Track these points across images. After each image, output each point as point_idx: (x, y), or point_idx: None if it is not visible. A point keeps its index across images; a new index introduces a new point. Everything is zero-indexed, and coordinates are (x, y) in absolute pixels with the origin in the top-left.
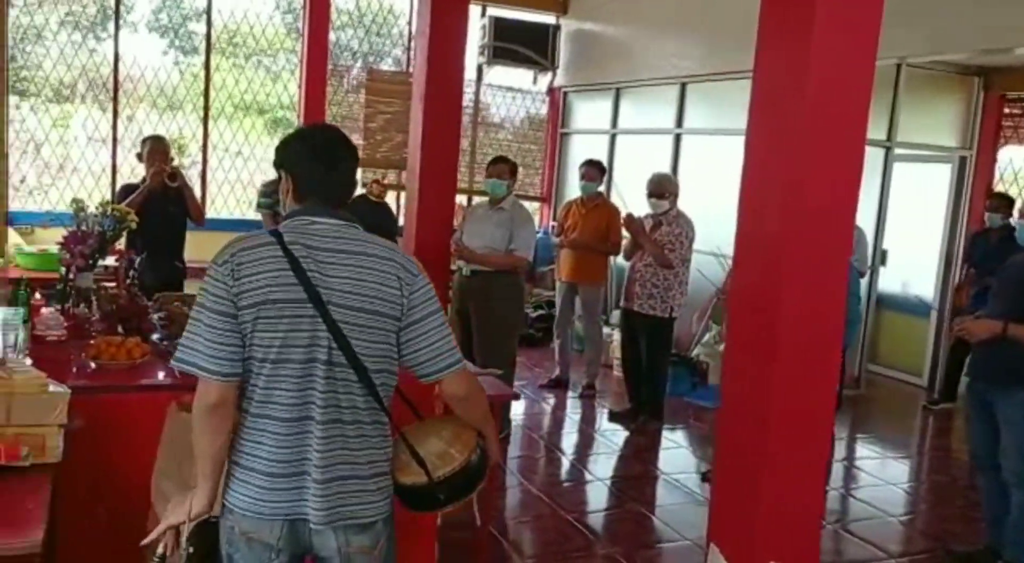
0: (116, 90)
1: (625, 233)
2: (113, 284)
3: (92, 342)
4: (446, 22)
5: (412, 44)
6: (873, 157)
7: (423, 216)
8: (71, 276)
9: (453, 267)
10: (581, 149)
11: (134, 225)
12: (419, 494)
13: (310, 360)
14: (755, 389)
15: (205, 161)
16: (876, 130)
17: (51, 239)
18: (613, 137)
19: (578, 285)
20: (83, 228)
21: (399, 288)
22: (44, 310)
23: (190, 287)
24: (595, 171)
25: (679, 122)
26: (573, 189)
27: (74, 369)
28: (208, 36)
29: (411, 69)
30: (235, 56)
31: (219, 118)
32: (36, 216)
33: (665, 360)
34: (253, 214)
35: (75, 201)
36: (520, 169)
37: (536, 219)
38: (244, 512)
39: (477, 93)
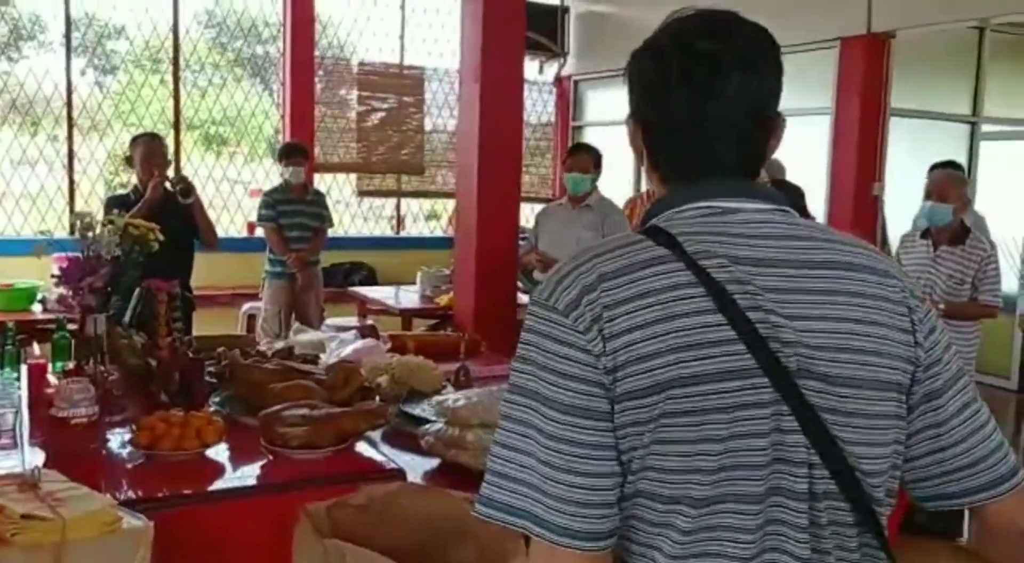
0: (70, 110)
1: None
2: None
3: (140, 422)
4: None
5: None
6: (956, 135)
7: (485, 224)
8: (72, 320)
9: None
10: (596, 144)
11: (157, 245)
12: None
13: (772, 492)
14: None
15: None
16: (958, 104)
17: (4, 271)
18: None
19: None
20: (91, 252)
21: (911, 331)
22: (54, 378)
23: (202, 324)
24: None
25: None
26: None
27: (122, 468)
28: (176, 50)
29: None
30: (158, 72)
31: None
32: None
33: None
34: (235, 231)
35: (78, 215)
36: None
37: None
38: None
39: None
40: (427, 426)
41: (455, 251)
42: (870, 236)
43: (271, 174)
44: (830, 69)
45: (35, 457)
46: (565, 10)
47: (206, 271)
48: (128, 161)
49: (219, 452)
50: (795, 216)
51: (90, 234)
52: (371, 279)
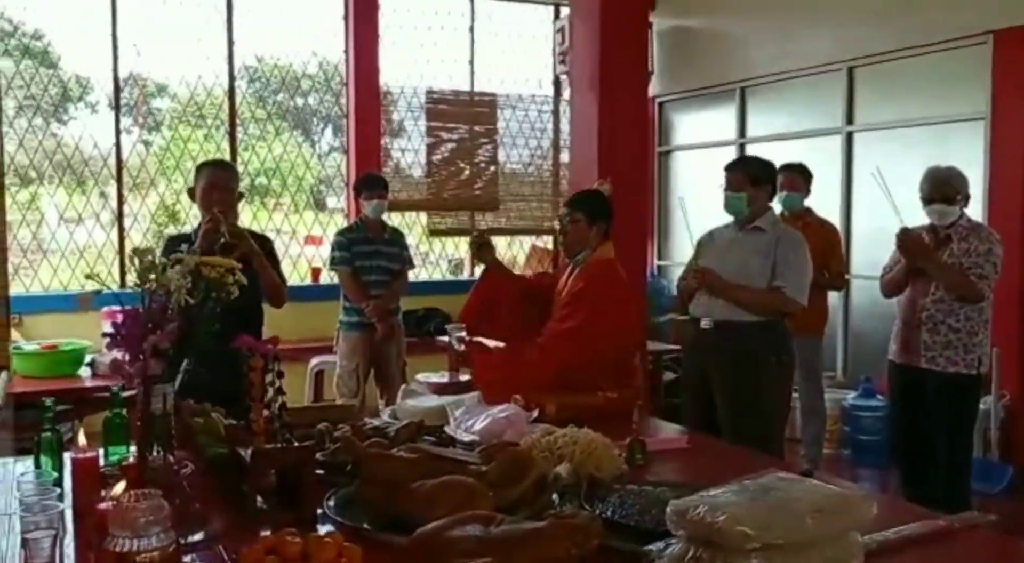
0: (119, 166)
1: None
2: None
3: (240, 557)
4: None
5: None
6: None
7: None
8: (130, 393)
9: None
10: (689, 169)
11: (237, 291)
12: None
13: None
14: None
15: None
16: None
17: (47, 331)
18: (742, 148)
19: None
20: (153, 302)
21: None
22: (114, 487)
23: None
24: (798, 177)
25: (849, 118)
26: (680, 218)
27: None
28: (232, 107)
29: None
30: (202, 127)
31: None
32: (23, 302)
33: (969, 436)
34: (297, 279)
35: (137, 252)
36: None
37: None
38: None
39: (556, 111)
40: (656, 546)
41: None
42: None
43: (318, 224)
44: (982, 68)
45: None
46: (648, 25)
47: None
48: (191, 194)
49: None
50: None
51: (152, 277)
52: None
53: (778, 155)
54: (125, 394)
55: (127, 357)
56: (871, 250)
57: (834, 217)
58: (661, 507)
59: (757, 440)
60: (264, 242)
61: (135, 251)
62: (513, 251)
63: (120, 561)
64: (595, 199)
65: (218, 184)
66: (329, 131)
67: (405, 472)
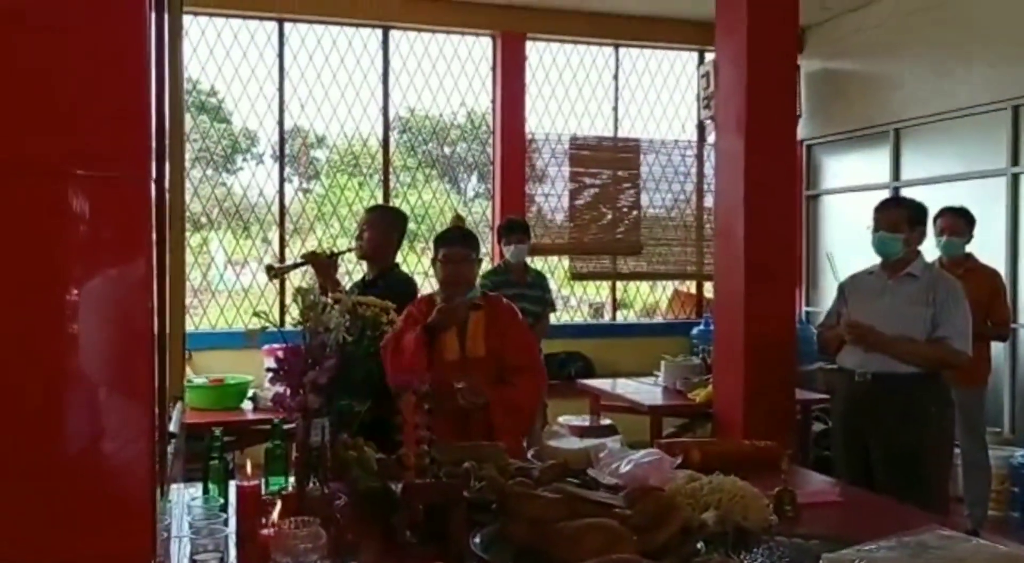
0: (282, 214)
1: None
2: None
3: None
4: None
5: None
6: None
7: (755, 304)
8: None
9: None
10: (838, 213)
11: (388, 327)
12: None
13: None
14: None
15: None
16: None
17: (213, 366)
18: (896, 191)
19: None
20: (311, 339)
21: None
22: (275, 513)
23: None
24: (961, 222)
25: (1015, 159)
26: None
27: None
28: (386, 159)
29: (615, 135)
30: (359, 175)
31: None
32: (193, 339)
33: None
34: None
35: (300, 292)
36: None
37: (798, 304)
38: None
39: (700, 155)
40: None
41: (715, 338)
42: None
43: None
44: None
45: None
46: (796, 68)
47: None
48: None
49: None
50: None
51: (310, 314)
52: (588, 370)
53: (935, 198)
54: (285, 426)
55: (288, 391)
56: None
57: (998, 263)
58: (813, 561)
59: (917, 496)
60: (404, 287)
61: (298, 290)
62: (656, 295)
63: None
64: (475, 237)
65: (363, 225)
66: (475, 178)
67: (550, 512)
